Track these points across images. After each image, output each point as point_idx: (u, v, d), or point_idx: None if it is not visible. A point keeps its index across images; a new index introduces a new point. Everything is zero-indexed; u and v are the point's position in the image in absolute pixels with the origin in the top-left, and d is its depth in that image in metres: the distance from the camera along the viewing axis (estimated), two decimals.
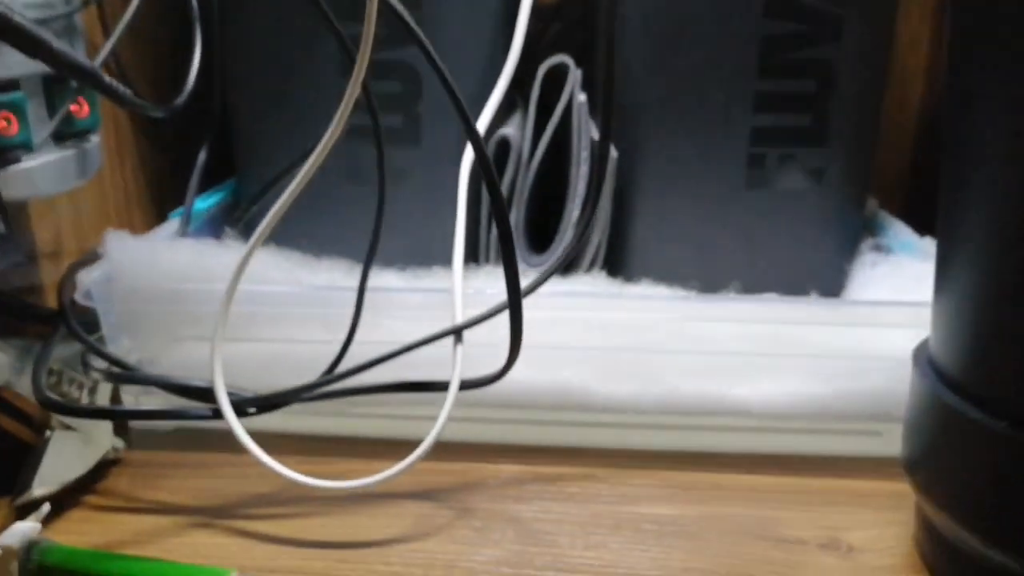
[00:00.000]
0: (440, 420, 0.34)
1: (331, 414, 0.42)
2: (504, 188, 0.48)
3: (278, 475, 0.35)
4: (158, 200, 0.55)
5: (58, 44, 0.30)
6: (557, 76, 0.48)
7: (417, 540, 0.34)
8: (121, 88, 0.33)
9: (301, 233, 0.46)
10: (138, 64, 0.53)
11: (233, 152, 0.52)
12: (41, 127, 0.35)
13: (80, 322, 0.40)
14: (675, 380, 0.39)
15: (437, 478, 0.39)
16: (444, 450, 0.39)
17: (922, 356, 0.32)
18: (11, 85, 0.33)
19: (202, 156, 0.52)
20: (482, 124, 0.39)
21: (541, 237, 0.49)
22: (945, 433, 0.30)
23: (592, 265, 0.46)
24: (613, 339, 0.39)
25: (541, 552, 0.34)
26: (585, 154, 0.47)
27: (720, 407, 0.40)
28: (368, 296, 0.39)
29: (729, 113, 0.45)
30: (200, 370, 0.36)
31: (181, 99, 0.37)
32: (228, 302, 0.35)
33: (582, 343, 0.40)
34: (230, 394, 0.35)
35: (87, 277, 0.41)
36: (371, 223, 0.41)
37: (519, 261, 0.36)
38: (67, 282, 0.41)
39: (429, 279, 0.42)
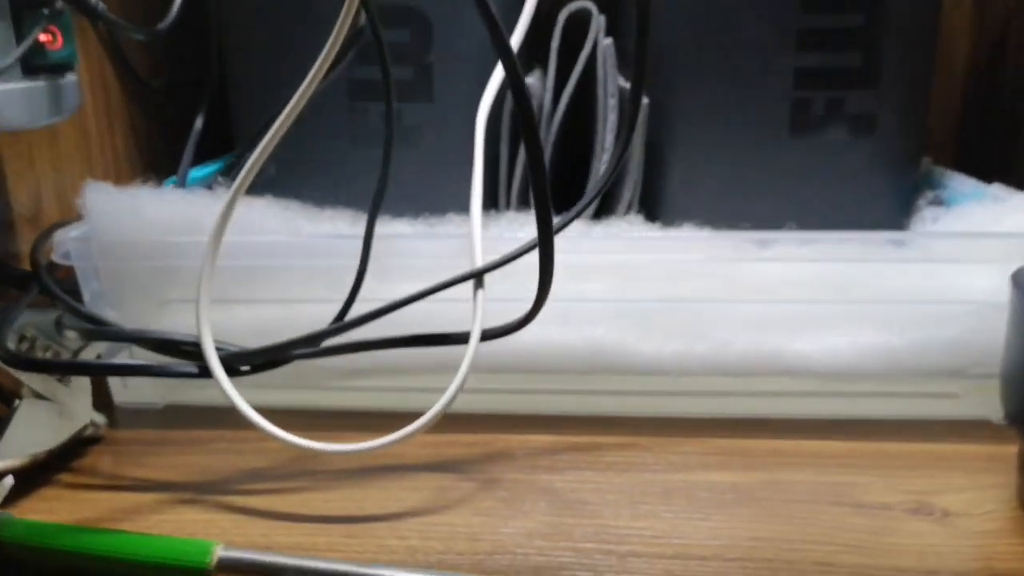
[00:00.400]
0: (461, 372, 0.30)
1: (336, 387, 0.37)
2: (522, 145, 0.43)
3: (275, 446, 0.30)
4: (151, 169, 0.51)
5: None
6: (578, 29, 0.44)
7: (436, 512, 0.30)
8: (93, 0, 0.29)
9: (306, 197, 0.42)
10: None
11: (231, 125, 0.48)
12: (7, 53, 0.31)
13: (62, 289, 0.36)
14: (725, 335, 0.35)
15: (458, 449, 0.34)
16: (466, 421, 0.35)
17: (1022, 280, 0.28)
18: None
19: (198, 123, 0.48)
20: (515, 40, 0.35)
21: (564, 205, 0.45)
22: None
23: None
24: (652, 289, 0.35)
25: (580, 523, 0.29)
26: (612, 102, 0.43)
27: (778, 365, 0.35)
28: (376, 244, 0.34)
29: (770, 53, 0.41)
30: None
31: (165, 23, 0.33)
32: (216, 244, 0.31)
33: (617, 294, 0.35)
34: (219, 349, 0.31)
35: (65, 235, 0.37)
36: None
37: None
38: (43, 241, 0.37)
39: (444, 227, 0.38)
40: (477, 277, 0.32)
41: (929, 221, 0.43)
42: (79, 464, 0.34)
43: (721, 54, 0.42)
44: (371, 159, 0.38)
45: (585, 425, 0.36)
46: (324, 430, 0.35)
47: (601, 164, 0.43)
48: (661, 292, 0.35)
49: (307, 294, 0.35)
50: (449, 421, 0.35)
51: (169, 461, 0.34)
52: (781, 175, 0.43)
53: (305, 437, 0.30)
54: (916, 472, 0.31)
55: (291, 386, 0.38)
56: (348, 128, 0.44)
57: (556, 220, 0.32)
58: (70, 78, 0.35)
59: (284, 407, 0.37)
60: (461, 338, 0.31)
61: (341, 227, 0.38)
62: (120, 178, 0.50)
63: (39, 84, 0.33)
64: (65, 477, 0.33)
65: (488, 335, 0.31)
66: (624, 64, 0.43)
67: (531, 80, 0.45)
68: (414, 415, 0.30)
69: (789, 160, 0.42)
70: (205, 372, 0.30)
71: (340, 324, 0.32)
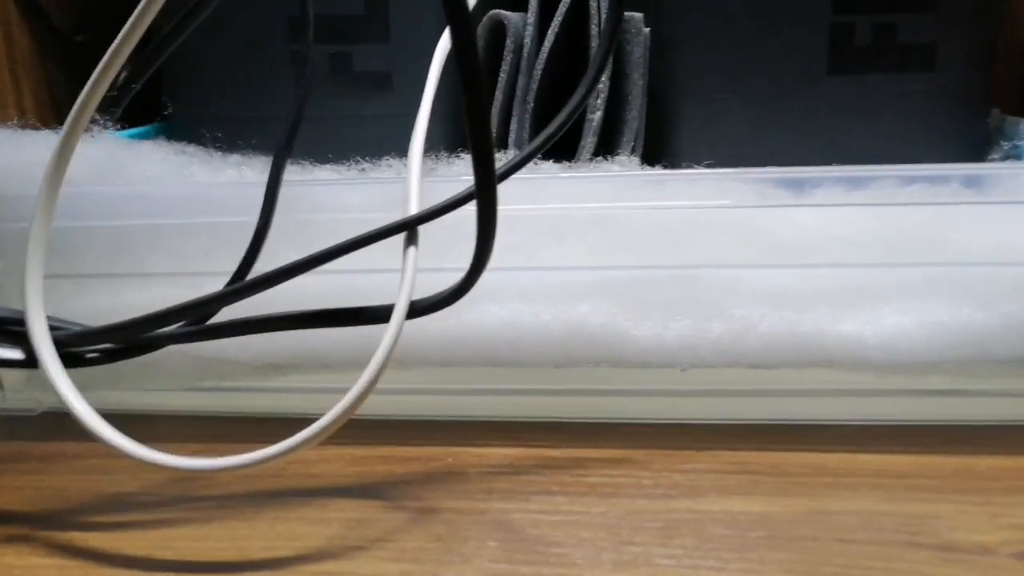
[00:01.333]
0: (378, 356, 0.21)
1: (236, 387, 0.29)
2: (500, 91, 0.35)
3: (148, 467, 0.22)
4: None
5: None
6: None
7: (340, 557, 0.21)
8: None
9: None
10: None
11: (162, 85, 0.41)
12: None
13: None
14: (748, 313, 0.26)
15: (391, 467, 0.26)
16: (406, 430, 0.28)
17: None
18: None
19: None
20: None
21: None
22: None
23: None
24: (650, 252, 0.26)
25: (541, 574, 0.20)
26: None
27: (819, 353, 0.26)
28: (287, 193, 0.26)
29: None
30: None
31: None
32: (52, 187, 0.23)
33: (603, 260, 0.27)
34: (56, 329, 0.23)
35: None
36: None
37: None
38: None
39: (378, 172, 0.29)
40: (409, 228, 0.23)
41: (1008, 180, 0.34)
42: None
43: None
44: (317, 109, 0.31)
45: (562, 434, 0.27)
46: (234, 441, 0.27)
47: (596, 110, 0.35)
48: (661, 256, 0.26)
49: (198, 266, 0.27)
50: (385, 429, 0.27)
51: (14, 483, 0.26)
52: (816, 123, 0.35)
53: (200, 451, 0.22)
54: (1019, 498, 0.23)
55: (188, 387, 0.30)
56: (291, 74, 0.36)
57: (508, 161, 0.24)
58: None
59: (182, 411, 0.30)
60: (382, 314, 0.23)
61: (249, 176, 0.30)
62: None
63: None
64: None
65: (417, 309, 0.23)
66: None
67: (513, 15, 0.37)
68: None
69: (827, 104, 0.34)
70: (32, 360, 0.22)
71: (226, 291, 0.24)
